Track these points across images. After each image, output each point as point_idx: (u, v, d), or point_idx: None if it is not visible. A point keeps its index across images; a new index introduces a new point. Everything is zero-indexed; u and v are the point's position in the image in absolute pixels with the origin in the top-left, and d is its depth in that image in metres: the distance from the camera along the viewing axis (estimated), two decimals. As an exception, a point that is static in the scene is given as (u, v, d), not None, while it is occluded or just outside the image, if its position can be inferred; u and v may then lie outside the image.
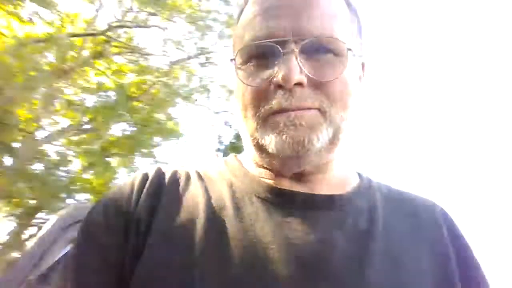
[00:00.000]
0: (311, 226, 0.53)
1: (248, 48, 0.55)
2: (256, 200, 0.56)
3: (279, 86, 0.52)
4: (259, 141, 0.55)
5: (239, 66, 0.56)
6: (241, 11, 0.62)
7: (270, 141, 0.53)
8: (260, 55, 0.54)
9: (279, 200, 0.56)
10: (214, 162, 0.67)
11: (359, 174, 0.67)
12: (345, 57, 0.54)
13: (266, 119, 0.53)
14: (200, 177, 0.61)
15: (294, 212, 0.54)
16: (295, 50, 0.51)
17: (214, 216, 0.53)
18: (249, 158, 0.63)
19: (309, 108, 0.52)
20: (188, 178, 0.60)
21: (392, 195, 0.64)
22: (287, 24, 0.53)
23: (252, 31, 0.55)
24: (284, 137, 0.51)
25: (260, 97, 0.53)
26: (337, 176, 0.61)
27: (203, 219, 0.52)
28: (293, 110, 0.51)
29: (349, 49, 0.54)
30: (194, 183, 0.59)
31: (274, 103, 0.52)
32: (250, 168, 0.62)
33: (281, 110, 0.52)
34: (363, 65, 0.64)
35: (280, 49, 0.52)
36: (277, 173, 0.58)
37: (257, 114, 0.54)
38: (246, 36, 0.56)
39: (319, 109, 0.52)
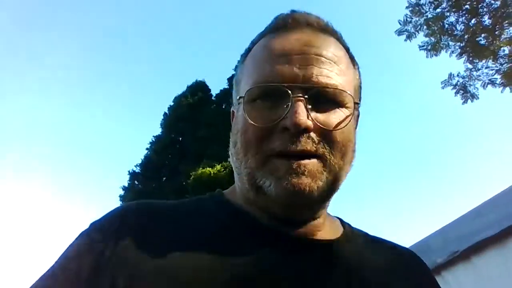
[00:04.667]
0: (309, 269, 0.54)
1: (258, 89, 0.56)
2: (250, 241, 0.56)
3: (285, 129, 0.52)
4: (257, 181, 0.55)
5: (247, 104, 0.56)
6: (248, 51, 0.64)
7: (270, 185, 0.53)
8: (269, 96, 0.55)
9: (277, 242, 0.56)
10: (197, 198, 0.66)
11: (340, 219, 0.69)
12: (350, 109, 0.56)
13: (266, 160, 0.54)
14: (185, 212, 0.60)
15: (288, 256, 0.55)
16: (305, 96, 0.53)
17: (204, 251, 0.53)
18: (241, 195, 0.62)
19: (311, 154, 0.53)
20: (167, 213, 0.59)
21: (373, 241, 0.69)
22: (298, 70, 0.54)
23: (263, 73, 0.56)
24: (285, 183, 0.52)
25: (264, 136, 0.54)
26: (328, 221, 0.64)
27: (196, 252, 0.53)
28: (295, 155, 0.52)
29: (356, 103, 0.57)
30: (179, 218, 0.59)
31: (278, 145, 0.53)
32: (240, 205, 0.61)
33: (284, 153, 0.52)
34: (358, 116, 0.67)
35: (290, 93, 0.53)
36: (272, 214, 0.58)
37: (259, 153, 0.54)
38: (256, 77, 0.57)
39: (320, 156, 0.53)
